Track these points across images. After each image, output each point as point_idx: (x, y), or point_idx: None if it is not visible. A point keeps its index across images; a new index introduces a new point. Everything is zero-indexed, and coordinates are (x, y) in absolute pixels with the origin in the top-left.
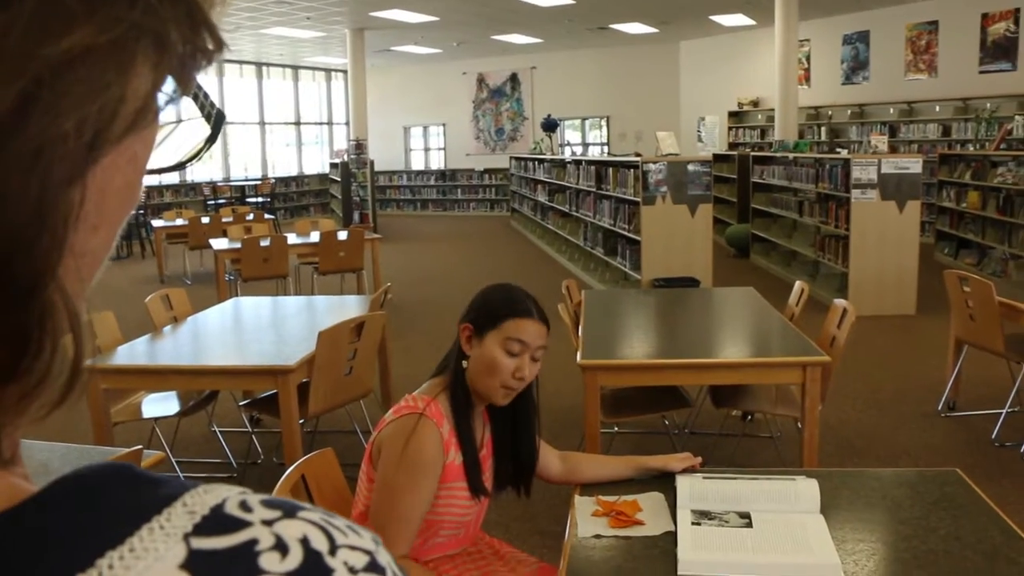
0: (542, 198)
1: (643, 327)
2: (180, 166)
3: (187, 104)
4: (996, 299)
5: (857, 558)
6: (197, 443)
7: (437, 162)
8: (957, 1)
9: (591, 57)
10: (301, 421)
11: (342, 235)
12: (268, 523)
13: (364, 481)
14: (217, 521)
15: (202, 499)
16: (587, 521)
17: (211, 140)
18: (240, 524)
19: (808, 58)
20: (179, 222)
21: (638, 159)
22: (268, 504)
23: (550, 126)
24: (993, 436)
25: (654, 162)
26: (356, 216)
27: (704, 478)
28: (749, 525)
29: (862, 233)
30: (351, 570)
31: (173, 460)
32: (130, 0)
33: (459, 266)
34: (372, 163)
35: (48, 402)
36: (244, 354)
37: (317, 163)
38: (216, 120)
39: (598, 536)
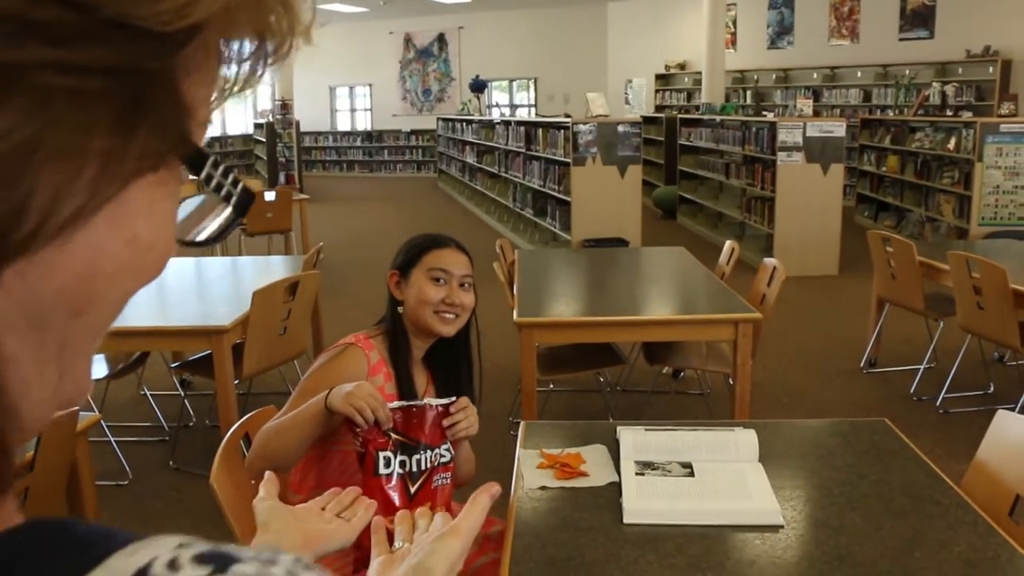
0: (470, 159)
1: (577, 285)
2: (209, 242)
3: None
4: (917, 259)
5: (794, 503)
6: (127, 407)
7: (363, 123)
8: None
9: (519, 18)
10: (236, 382)
11: (269, 196)
12: None
13: None
14: None
15: (126, 563)
16: (532, 473)
17: (237, 219)
18: None
19: (735, 22)
20: None
21: (568, 120)
22: (200, 560)
23: (478, 87)
24: (912, 391)
25: (584, 123)
26: (282, 177)
27: (646, 430)
28: (691, 474)
29: (787, 195)
30: None
31: (104, 424)
32: (34, 104)
33: (387, 227)
34: (298, 123)
35: None
36: (171, 317)
37: (241, 123)
38: (239, 200)
39: (544, 488)
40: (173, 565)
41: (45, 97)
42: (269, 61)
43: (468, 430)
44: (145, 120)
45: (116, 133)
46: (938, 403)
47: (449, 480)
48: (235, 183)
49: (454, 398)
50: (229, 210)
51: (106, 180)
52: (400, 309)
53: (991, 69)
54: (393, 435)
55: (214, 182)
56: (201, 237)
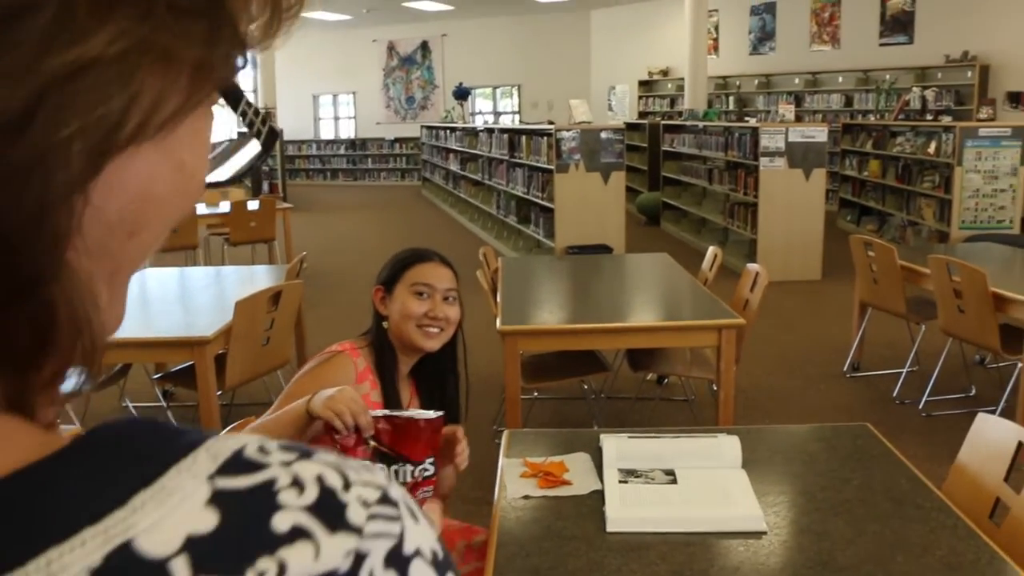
0: (454, 167)
1: (561, 293)
2: (236, 180)
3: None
4: (898, 263)
5: (778, 509)
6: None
7: (347, 131)
8: None
9: (502, 25)
10: (218, 393)
11: (253, 205)
12: (286, 464)
13: None
14: (238, 463)
15: (224, 444)
16: (516, 482)
17: (263, 155)
18: (260, 466)
19: (717, 28)
20: None
21: (551, 127)
22: (285, 448)
23: (461, 94)
24: (894, 394)
25: (568, 130)
26: (265, 186)
27: (629, 437)
28: (674, 481)
29: (770, 200)
30: (364, 503)
31: None
32: (141, 15)
33: (371, 236)
34: (281, 132)
35: (63, 395)
36: (153, 327)
37: (224, 131)
38: (267, 137)
39: (527, 497)
40: (263, 450)
41: (149, 6)
42: (283, 17)
43: (460, 465)
44: (222, 39)
45: (205, 46)
46: (920, 406)
47: (431, 493)
48: (264, 121)
49: (441, 412)
50: (257, 147)
51: (197, 85)
52: (385, 324)
53: (969, 74)
54: (372, 443)
55: (247, 118)
56: (225, 177)
